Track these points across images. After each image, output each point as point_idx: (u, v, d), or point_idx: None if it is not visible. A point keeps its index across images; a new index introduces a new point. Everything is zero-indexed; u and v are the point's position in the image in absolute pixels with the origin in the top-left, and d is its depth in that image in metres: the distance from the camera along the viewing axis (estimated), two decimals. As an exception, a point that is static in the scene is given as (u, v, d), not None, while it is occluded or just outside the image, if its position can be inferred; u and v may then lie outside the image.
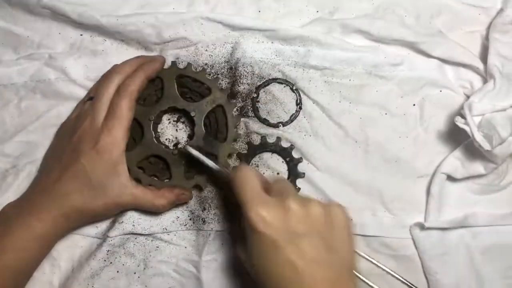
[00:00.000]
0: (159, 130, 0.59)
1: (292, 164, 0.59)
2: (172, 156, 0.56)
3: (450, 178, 0.57)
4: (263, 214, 0.43)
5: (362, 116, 0.59)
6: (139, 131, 0.57)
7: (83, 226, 0.57)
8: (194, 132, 0.56)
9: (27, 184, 0.58)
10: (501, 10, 0.59)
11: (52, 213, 0.51)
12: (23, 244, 0.51)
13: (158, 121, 0.58)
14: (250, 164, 0.59)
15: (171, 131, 0.60)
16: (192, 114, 0.56)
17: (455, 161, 0.56)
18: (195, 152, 0.53)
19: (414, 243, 0.57)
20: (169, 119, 0.60)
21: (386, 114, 0.59)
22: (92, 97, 0.56)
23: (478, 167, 0.56)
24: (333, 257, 0.44)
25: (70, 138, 0.53)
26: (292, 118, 0.59)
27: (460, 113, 0.55)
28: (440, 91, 0.60)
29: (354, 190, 0.59)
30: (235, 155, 0.59)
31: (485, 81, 0.58)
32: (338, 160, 0.59)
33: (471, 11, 0.60)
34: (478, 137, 0.53)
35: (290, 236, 0.43)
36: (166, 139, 0.60)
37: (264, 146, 0.59)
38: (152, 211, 0.57)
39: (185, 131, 0.60)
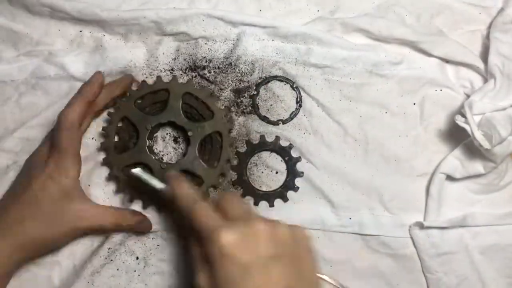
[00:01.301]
0: (153, 141, 0.60)
1: (291, 163, 0.59)
2: (160, 169, 0.56)
3: (450, 178, 0.58)
4: (231, 237, 0.40)
5: (362, 114, 0.60)
6: (134, 136, 0.57)
7: (43, 256, 0.57)
8: (187, 151, 0.57)
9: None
10: (501, 10, 0.59)
11: (7, 241, 0.51)
12: None
13: (155, 131, 0.59)
14: (249, 163, 0.60)
15: (165, 145, 0.60)
16: (189, 134, 0.56)
17: (454, 161, 0.57)
18: (138, 173, 0.51)
19: (414, 242, 0.58)
20: (167, 133, 0.60)
21: (386, 113, 0.60)
22: None
23: (477, 167, 0.56)
24: (302, 284, 0.41)
25: (28, 166, 0.55)
26: (292, 116, 0.60)
27: (460, 112, 0.55)
28: (441, 90, 0.60)
29: (353, 189, 0.59)
30: (229, 169, 0.59)
31: (485, 80, 0.58)
32: (337, 158, 0.59)
33: (472, 10, 0.60)
34: (478, 136, 0.53)
35: (260, 260, 0.40)
36: (160, 151, 0.60)
37: (263, 145, 0.60)
38: (110, 231, 0.57)
39: (179, 148, 0.60)
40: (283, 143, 0.60)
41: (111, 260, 0.58)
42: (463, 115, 0.54)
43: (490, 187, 0.58)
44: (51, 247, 0.55)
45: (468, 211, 0.57)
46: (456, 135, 0.58)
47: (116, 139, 0.58)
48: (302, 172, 0.59)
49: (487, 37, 0.59)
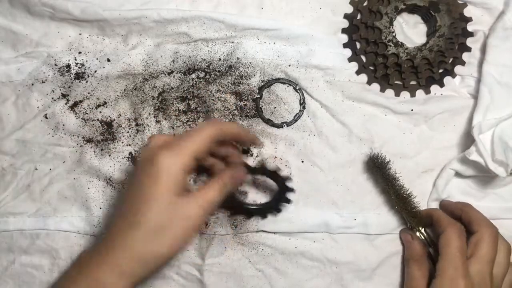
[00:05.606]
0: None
1: (281, 183, 0.59)
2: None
3: (458, 174, 0.60)
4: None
5: (366, 114, 0.61)
6: None
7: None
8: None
9: (26, 183, 0.60)
10: (502, 13, 0.60)
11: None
12: None
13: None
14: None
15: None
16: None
17: (466, 161, 0.58)
18: None
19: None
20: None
21: (389, 111, 0.61)
22: None
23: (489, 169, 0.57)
24: None
25: None
26: (296, 118, 0.61)
27: (470, 135, 0.58)
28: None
29: (358, 189, 0.61)
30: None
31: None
32: (343, 159, 0.61)
33: (474, 11, 0.61)
34: (492, 166, 0.55)
35: None
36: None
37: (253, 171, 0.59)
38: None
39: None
40: (270, 166, 0.58)
41: (113, 264, 0.58)
42: (472, 140, 0.57)
43: (497, 181, 0.60)
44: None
45: (474, 205, 0.58)
46: (461, 131, 0.61)
47: None
48: (293, 189, 0.59)
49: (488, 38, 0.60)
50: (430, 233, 0.58)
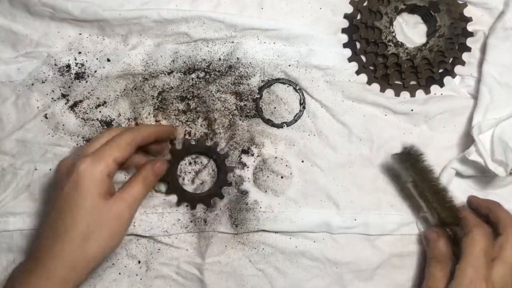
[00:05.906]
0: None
1: (219, 160, 0.60)
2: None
3: (458, 174, 0.60)
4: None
5: (366, 114, 0.62)
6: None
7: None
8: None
9: (26, 183, 0.60)
10: (501, 13, 0.60)
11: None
12: None
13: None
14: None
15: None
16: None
17: (466, 160, 0.58)
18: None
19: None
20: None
21: (389, 111, 0.62)
22: None
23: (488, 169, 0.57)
24: None
25: None
26: (296, 118, 0.62)
27: (470, 135, 0.58)
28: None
29: (358, 189, 0.61)
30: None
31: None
32: (343, 159, 0.61)
33: (474, 11, 0.62)
34: (492, 166, 0.56)
35: None
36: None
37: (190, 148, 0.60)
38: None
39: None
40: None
41: (113, 264, 0.59)
42: (472, 140, 0.57)
43: (498, 182, 0.60)
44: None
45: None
46: (461, 131, 0.61)
47: None
48: (234, 167, 0.61)
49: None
50: (457, 233, 0.57)
